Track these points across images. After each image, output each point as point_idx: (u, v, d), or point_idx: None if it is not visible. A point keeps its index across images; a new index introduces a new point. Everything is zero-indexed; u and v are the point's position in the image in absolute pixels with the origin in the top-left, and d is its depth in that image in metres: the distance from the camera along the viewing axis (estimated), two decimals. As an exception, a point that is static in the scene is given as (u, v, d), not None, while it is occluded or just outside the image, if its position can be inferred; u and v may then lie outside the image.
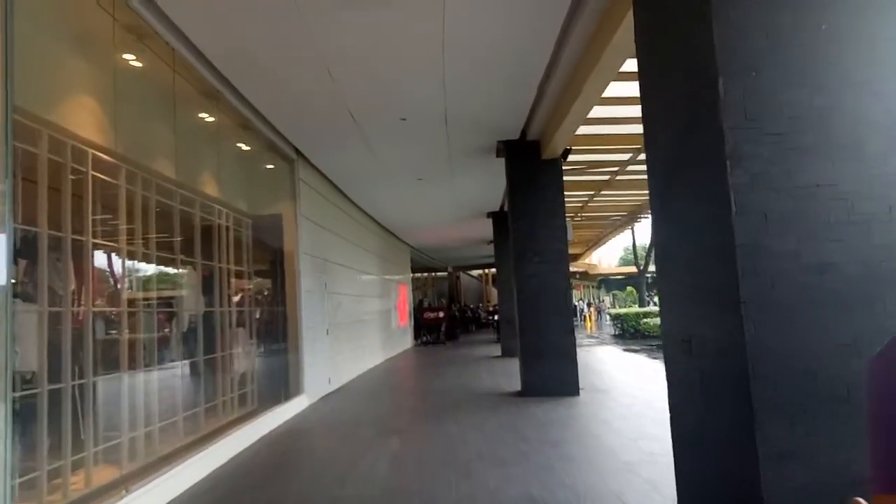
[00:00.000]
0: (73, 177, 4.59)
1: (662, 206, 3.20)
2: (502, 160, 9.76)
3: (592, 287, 54.47)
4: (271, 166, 9.26)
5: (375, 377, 12.99)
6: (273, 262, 9.33)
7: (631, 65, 6.52)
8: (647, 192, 11.70)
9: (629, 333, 21.30)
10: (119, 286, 5.50)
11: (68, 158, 4.52)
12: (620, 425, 6.65)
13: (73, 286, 4.79)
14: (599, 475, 4.85)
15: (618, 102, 7.98)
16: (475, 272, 42.52)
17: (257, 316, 8.96)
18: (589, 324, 32.41)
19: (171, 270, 6.44)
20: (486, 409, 7.99)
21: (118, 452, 4.97)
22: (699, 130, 2.71)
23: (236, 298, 8.20)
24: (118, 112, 5.34)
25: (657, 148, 3.26)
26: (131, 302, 5.63)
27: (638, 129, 9.66)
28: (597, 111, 7.92)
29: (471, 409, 8.14)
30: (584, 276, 44.23)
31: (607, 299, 53.12)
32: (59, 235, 4.41)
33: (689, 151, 2.86)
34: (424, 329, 22.59)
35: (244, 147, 8.30)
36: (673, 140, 3.03)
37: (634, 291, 38.26)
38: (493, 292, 42.98)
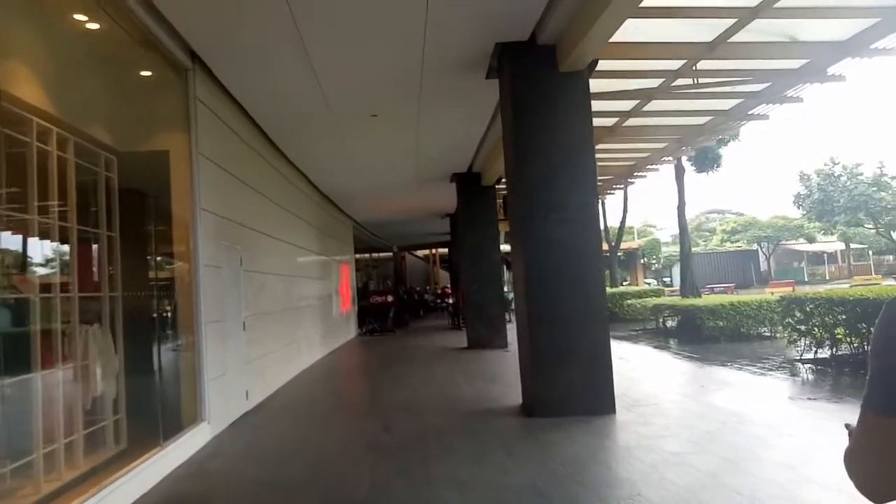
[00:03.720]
0: None
1: None
2: (490, 88, 6.87)
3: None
4: (148, 73, 5.97)
5: (313, 383, 9.88)
6: (153, 223, 6.11)
7: None
8: (650, 144, 8.31)
9: (603, 317, 18.83)
10: None
11: None
12: (744, 484, 3.88)
13: None
14: None
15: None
16: (421, 252, 39.55)
17: (125, 305, 5.71)
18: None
19: None
20: (497, 450, 5.07)
21: None
22: None
23: (81, 278, 5.03)
24: None
25: None
26: None
27: (692, 32, 6.91)
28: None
29: (469, 449, 5.17)
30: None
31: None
32: None
33: None
34: (370, 316, 19.51)
35: (90, 25, 5.00)
36: None
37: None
38: (441, 274, 40.29)
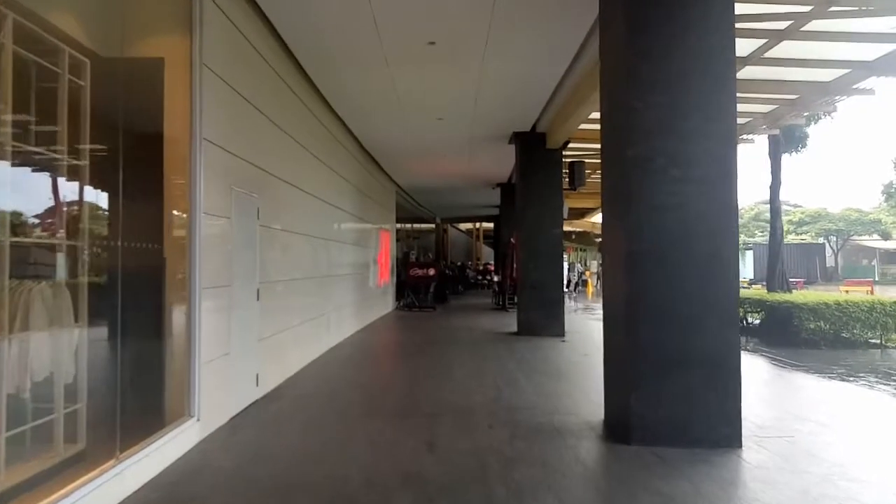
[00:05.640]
0: None
1: None
2: (581, 15, 5.19)
3: (580, 250, 50.18)
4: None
5: (342, 366, 8.42)
6: (137, 152, 4.62)
7: None
8: (755, 106, 6.15)
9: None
10: None
11: None
12: None
13: None
14: None
15: None
16: (464, 226, 37.90)
17: (94, 260, 4.24)
18: (590, 290, 28.19)
19: None
20: None
21: None
22: None
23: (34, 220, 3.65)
24: None
25: None
26: None
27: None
28: None
29: (552, 500, 3.58)
30: (583, 237, 39.43)
31: (594, 263, 49.05)
32: None
33: None
34: (409, 289, 18.08)
35: None
36: None
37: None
38: (484, 250, 38.62)
